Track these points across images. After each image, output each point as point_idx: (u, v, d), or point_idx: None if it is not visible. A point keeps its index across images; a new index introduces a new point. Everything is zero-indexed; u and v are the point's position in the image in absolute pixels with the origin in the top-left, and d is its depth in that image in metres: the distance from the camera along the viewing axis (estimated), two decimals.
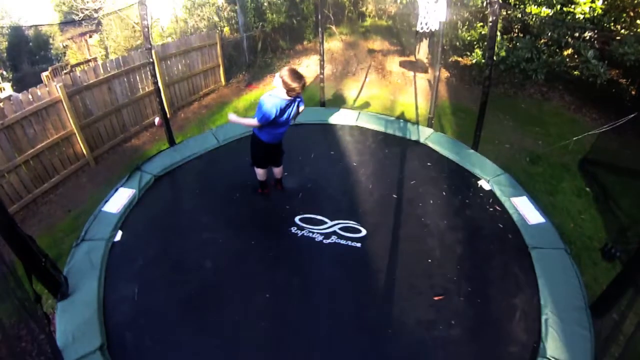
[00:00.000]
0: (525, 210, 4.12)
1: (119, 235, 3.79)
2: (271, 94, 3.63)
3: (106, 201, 4.14)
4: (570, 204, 4.88)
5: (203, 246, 3.76)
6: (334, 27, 10.58)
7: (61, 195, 5.55)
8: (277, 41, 10.53)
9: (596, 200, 4.95)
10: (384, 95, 7.94)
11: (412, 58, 9.14)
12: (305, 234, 3.90)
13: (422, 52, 8.83)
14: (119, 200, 4.16)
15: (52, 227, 4.87)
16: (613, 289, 2.93)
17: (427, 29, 4.95)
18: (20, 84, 13.91)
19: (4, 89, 12.75)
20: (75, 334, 2.76)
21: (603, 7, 5.98)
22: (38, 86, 5.42)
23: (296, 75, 3.52)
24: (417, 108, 5.61)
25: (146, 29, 4.81)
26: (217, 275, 3.46)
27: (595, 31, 6.51)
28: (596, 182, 5.20)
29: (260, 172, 4.30)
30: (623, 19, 6.42)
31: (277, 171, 4.50)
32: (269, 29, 10.17)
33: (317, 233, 3.90)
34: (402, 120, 5.85)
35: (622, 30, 6.43)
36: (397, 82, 8.50)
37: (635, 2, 6.16)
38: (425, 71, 8.69)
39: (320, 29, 6.40)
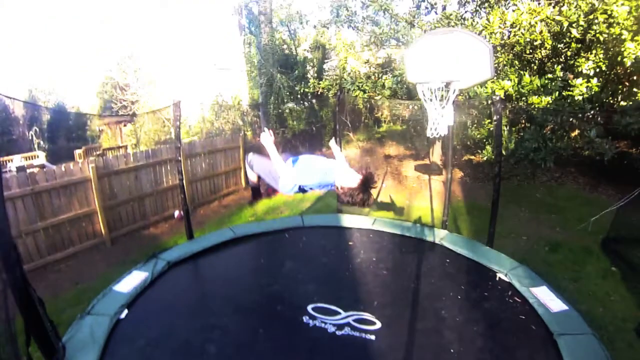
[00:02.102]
0: (546, 299, 3.94)
1: (124, 314, 3.70)
2: (325, 171, 3.08)
3: (118, 281, 4.12)
4: (597, 288, 4.67)
5: (209, 332, 3.61)
6: (351, 134, 11.21)
7: (72, 268, 5.61)
8: (297, 147, 11.08)
9: (624, 278, 4.73)
10: (400, 201, 8.11)
11: (426, 161, 9.52)
12: (317, 324, 3.75)
13: (436, 154, 9.23)
14: (132, 281, 4.14)
15: (57, 296, 4.85)
16: None
17: (437, 134, 5.25)
18: (53, 156, 14.85)
19: (37, 157, 13.54)
20: None
21: (599, 84, 6.14)
22: (72, 162, 5.81)
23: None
24: (432, 211, 5.73)
25: (177, 129, 5.13)
26: None
27: (597, 108, 6.63)
28: (622, 260, 5.00)
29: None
30: (620, 91, 6.62)
31: None
32: (289, 135, 10.79)
33: (330, 324, 3.75)
34: (417, 224, 5.93)
35: (622, 102, 6.58)
36: (412, 187, 8.76)
37: (629, 71, 6.34)
38: (440, 173, 8.99)
39: (337, 138, 6.79)
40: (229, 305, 4.07)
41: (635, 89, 6.45)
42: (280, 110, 10.87)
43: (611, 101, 6.77)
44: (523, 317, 3.84)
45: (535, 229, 6.39)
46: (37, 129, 18.30)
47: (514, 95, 6.97)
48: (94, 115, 19.22)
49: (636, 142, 7.35)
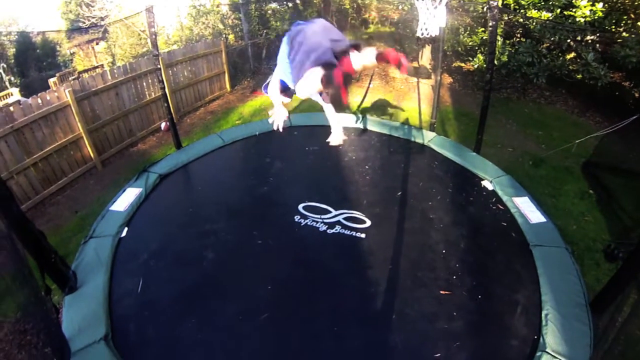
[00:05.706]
0: (527, 210, 4.14)
1: (125, 232, 3.84)
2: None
3: (114, 201, 4.20)
4: (573, 206, 4.88)
5: (207, 238, 3.79)
6: None
7: (69, 197, 5.66)
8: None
9: (599, 202, 4.93)
10: (387, 102, 8.03)
11: (415, 64, 9.22)
12: (309, 223, 3.93)
13: (425, 57, 8.93)
14: (127, 199, 4.22)
15: (60, 228, 4.96)
16: (612, 286, 2.95)
17: (428, 34, 5.02)
18: (27, 90, 14.05)
19: (12, 94, 12.91)
20: (81, 325, 2.81)
21: (604, 9, 5.97)
22: (47, 91, 5.54)
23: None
24: (420, 113, 5.69)
25: (153, 36, 4.90)
26: (219, 267, 3.49)
27: (597, 34, 6.49)
28: (599, 184, 5.18)
29: None
30: (624, 22, 6.38)
31: None
32: (273, 36, 10.29)
33: (321, 222, 3.93)
34: (405, 125, 5.91)
35: (624, 33, 6.39)
36: (400, 88, 8.59)
37: (637, 3, 6.12)
38: (428, 77, 8.77)
39: None
40: (222, 210, 4.22)
41: (639, 23, 6.12)
42: (262, 12, 10.22)
43: (613, 29, 6.39)
44: (504, 224, 4.05)
45: (521, 143, 6.44)
46: (5, 66, 17.14)
47: (512, 5, 6.58)
48: (61, 35, 17.92)
49: (631, 75, 7.07)
